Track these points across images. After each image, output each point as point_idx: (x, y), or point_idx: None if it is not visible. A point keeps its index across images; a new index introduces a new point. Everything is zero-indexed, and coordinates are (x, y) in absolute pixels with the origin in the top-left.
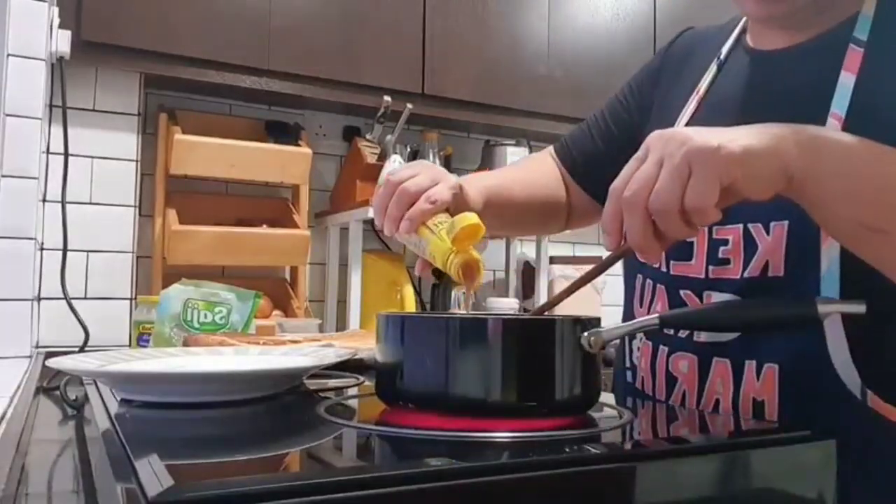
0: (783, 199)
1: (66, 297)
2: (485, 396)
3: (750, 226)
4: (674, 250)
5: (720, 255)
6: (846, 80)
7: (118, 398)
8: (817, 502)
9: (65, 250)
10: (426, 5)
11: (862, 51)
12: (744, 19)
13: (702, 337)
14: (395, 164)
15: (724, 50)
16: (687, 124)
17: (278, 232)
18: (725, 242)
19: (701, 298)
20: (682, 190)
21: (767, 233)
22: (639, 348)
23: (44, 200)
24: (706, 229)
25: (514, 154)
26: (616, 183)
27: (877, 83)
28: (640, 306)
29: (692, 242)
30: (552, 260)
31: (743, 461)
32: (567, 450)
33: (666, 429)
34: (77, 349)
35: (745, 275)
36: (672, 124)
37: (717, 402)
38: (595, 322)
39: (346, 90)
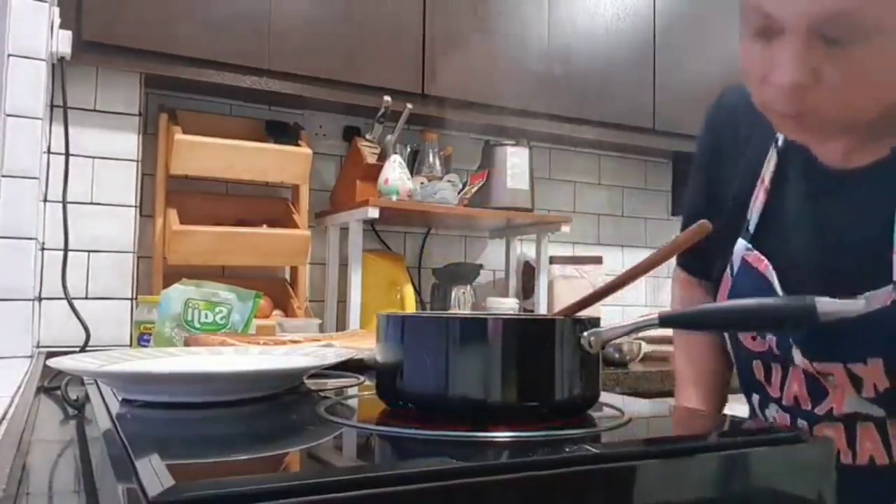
0: (877, 337)
1: (66, 297)
2: (485, 396)
3: (850, 365)
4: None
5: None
6: None
7: (119, 398)
8: (817, 502)
9: (66, 250)
10: (426, 5)
11: None
12: None
13: (843, 409)
14: (394, 165)
15: (780, 137)
16: (759, 219)
17: (278, 232)
18: (830, 375)
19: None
20: None
21: (865, 364)
22: (773, 418)
23: (45, 200)
24: (806, 360)
25: (514, 154)
26: None
27: None
28: (770, 386)
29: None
30: (552, 260)
31: (743, 461)
32: (567, 450)
33: (666, 429)
34: (78, 349)
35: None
36: (739, 212)
37: (871, 458)
38: (595, 322)
39: (346, 90)
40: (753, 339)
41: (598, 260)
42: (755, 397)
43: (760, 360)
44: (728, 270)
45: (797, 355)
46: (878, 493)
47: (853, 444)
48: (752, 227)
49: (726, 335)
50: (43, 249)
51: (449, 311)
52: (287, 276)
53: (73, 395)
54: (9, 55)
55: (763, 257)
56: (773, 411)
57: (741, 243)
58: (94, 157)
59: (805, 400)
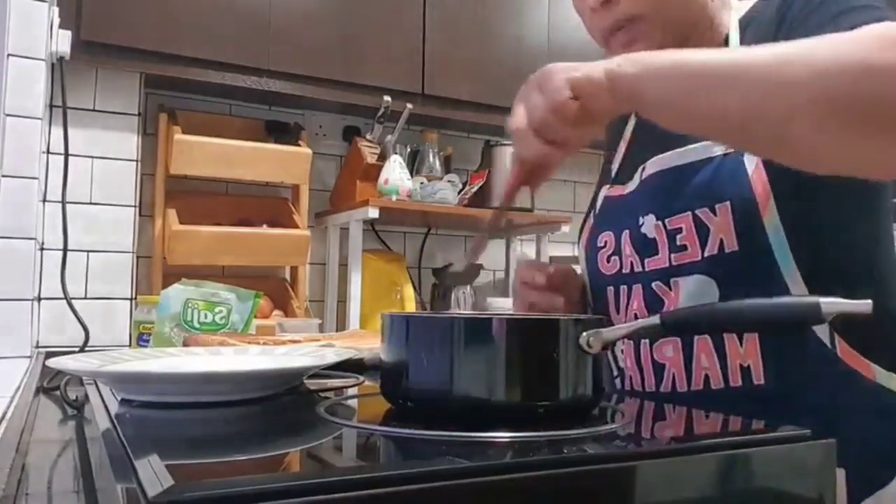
0: (719, 182)
1: (66, 297)
2: (488, 396)
3: (697, 211)
4: (643, 249)
5: (678, 243)
6: None
7: (118, 398)
8: (817, 502)
9: (65, 250)
10: (426, 6)
11: None
12: None
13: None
14: (394, 165)
15: None
16: (619, 165)
17: (278, 232)
18: (680, 231)
19: (669, 286)
20: (542, 101)
21: (714, 214)
22: (622, 350)
23: (44, 200)
24: (661, 223)
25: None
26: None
27: None
28: (618, 313)
29: (655, 238)
30: (552, 260)
31: (743, 461)
32: (567, 450)
33: (666, 429)
34: (77, 349)
35: (706, 255)
36: (606, 171)
37: (707, 377)
38: (596, 322)
39: (346, 90)
40: (608, 260)
41: None
42: None
43: (612, 284)
44: (590, 216)
45: (649, 220)
46: None
47: (689, 361)
48: (612, 174)
49: (584, 263)
50: (42, 249)
51: (450, 312)
52: (287, 276)
53: (72, 396)
54: (8, 55)
55: (622, 185)
56: (620, 344)
57: (603, 189)
58: (93, 158)
59: (644, 315)
